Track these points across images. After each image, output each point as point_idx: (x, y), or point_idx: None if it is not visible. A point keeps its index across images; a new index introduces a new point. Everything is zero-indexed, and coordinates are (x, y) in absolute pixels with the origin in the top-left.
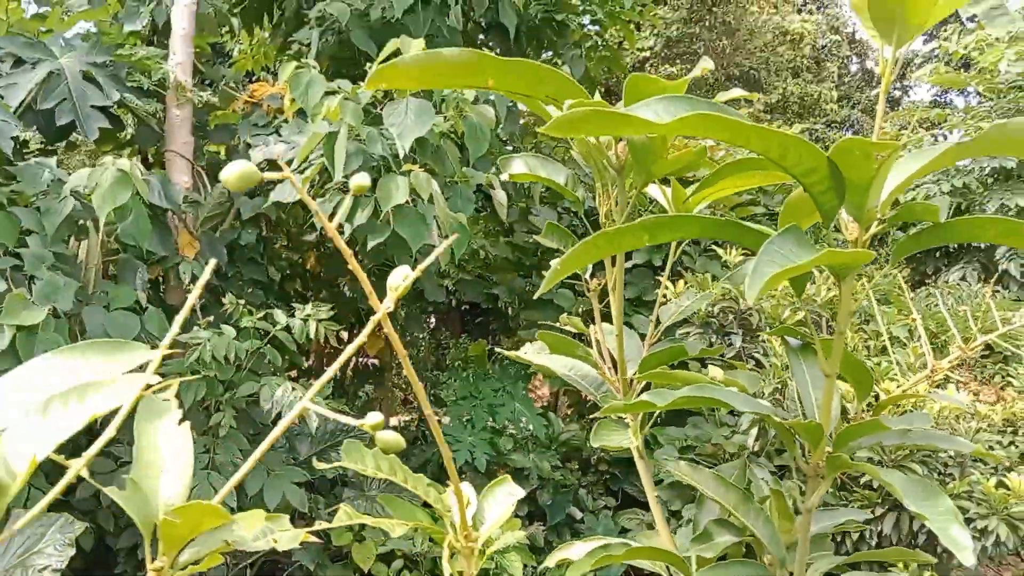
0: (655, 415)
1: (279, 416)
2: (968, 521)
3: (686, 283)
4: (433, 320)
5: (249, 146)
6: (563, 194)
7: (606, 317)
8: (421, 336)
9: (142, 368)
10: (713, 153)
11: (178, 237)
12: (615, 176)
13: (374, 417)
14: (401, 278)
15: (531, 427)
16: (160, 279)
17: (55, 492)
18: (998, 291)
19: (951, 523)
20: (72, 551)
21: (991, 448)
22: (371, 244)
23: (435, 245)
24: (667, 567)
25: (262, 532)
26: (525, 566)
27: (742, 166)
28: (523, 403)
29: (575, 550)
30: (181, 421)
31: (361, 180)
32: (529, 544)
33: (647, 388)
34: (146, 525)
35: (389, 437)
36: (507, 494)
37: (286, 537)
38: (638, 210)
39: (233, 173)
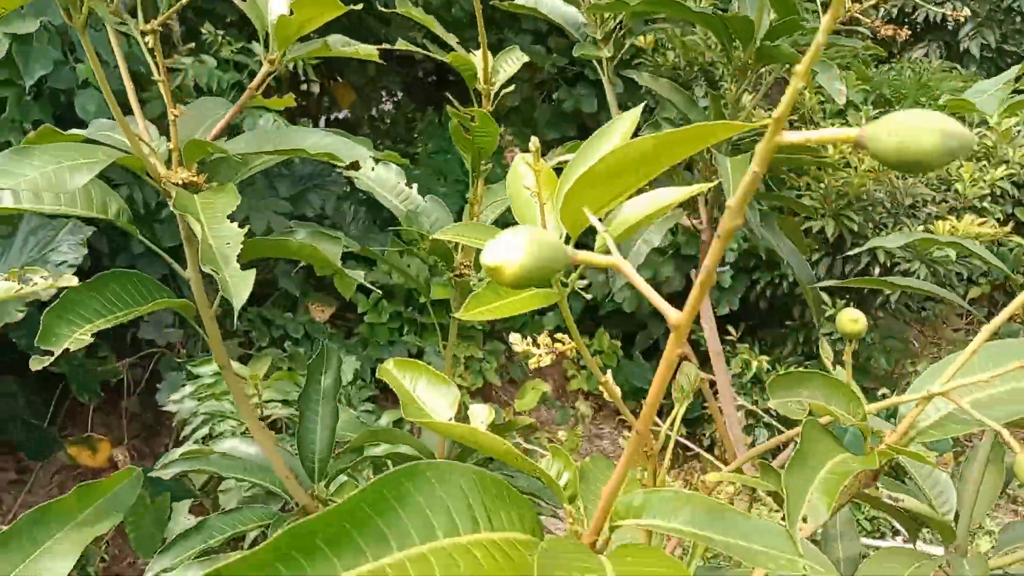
0: None
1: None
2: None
3: None
4: (399, 94)
5: None
6: None
7: None
8: (395, 100)
9: None
10: None
11: None
12: None
13: None
14: None
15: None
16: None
17: None
18: (955, 68)
19: (835, 81)
20: (84, 250)
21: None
22: None
23: None
24: None
25: (348, 43)
26: None
27: None
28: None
29: (553, 160)
30: None
31: None
32: None
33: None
34: (261, 26)
35: None
36: (514, 59)
37: (366, 48)
38: None
39: None
